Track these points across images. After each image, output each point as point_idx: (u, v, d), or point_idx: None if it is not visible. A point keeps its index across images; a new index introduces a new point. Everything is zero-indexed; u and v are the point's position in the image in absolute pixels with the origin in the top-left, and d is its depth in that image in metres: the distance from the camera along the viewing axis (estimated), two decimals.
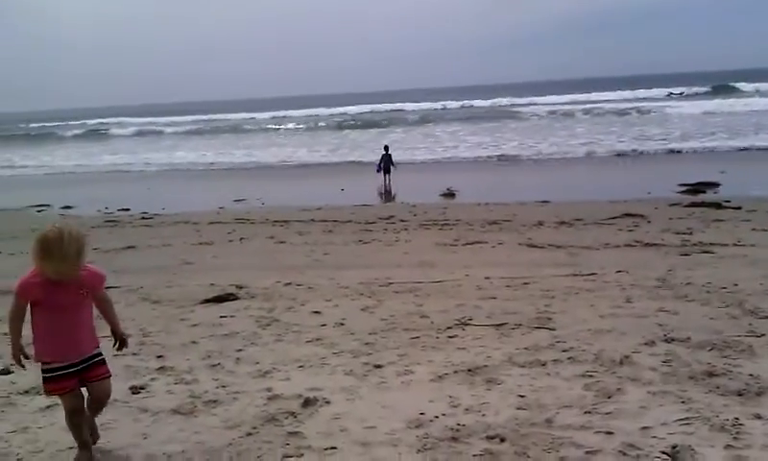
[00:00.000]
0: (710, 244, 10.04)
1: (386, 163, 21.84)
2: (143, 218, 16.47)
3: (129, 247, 12.16)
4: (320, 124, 56.96)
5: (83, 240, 3.76)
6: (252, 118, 70.51)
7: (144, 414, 4.53)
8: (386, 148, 22.32)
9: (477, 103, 70.36)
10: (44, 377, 3.82)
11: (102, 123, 75.71)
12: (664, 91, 70.75)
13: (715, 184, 17.40)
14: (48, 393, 3.91)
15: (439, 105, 68.99)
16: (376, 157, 23.35)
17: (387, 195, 20.27)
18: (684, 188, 17.06)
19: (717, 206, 14.01)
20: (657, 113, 44.65)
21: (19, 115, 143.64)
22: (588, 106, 53.02)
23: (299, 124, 58.35)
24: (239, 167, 30.78)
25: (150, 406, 4.64)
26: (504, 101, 69.65)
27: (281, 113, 74.84)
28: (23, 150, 46.81)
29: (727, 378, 4.64)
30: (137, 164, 33.85)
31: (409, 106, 69.98)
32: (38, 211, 18.96)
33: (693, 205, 14.33)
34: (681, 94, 68.42)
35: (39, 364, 3.81)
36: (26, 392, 4.96)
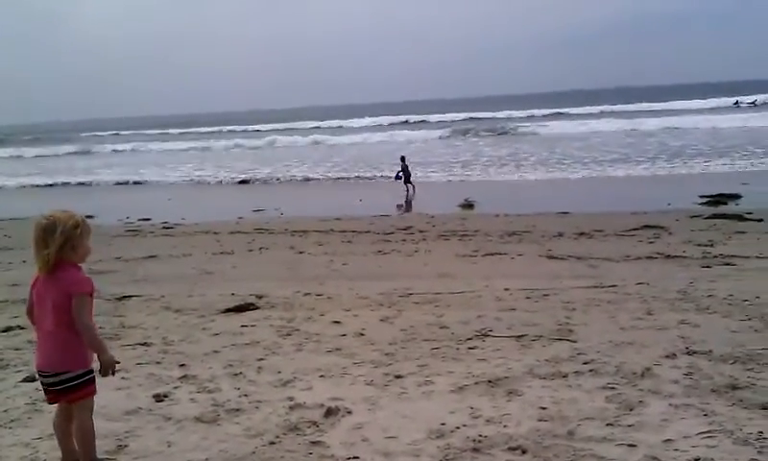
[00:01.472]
0: (732, 256, 9.97)
1: (405, 174, 22.34)
2: (164, 228, 16.61)
3: (150, 256, 12.27)
4: (443, 133, 50.45)
5: (68, 232, 3.63)
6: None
7: (167, 422, 4.57)
8: (402, 159, 22.85)
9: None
10: (88, 380, 3.75)
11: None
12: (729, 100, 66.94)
13: (737, 196, 17.25)
14: (88, 395, 3.78)
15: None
16: None
17: (408, 205, 20.42)
18: (705, 200, 16.93)
19: (739, 217, 13.88)
20: None
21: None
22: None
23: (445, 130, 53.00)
24: None
25: (173, 414, 4.69)
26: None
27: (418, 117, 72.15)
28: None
29: (750, 392, 4.61)
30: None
31: (517, 113, 68.02)
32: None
33: (714, 216, 14.21)
34: (753, 103, 63.33)
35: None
36: None
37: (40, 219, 3.66)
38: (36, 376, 3.72)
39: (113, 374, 3.81)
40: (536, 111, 69.58)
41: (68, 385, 3.67)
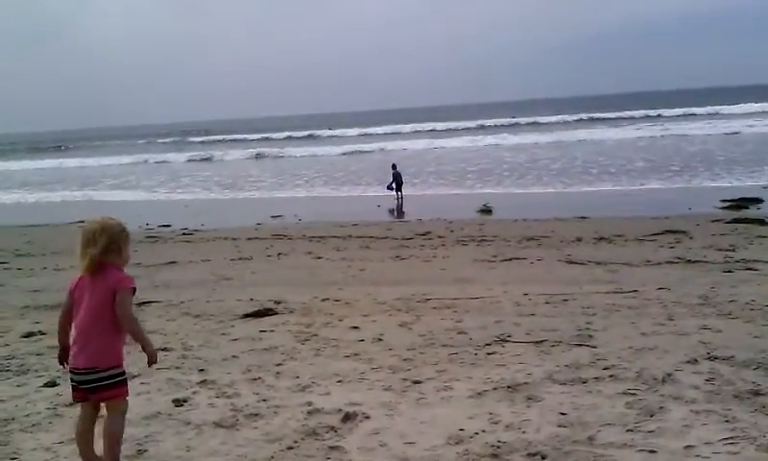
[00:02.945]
0: (754, 261, 9.86)
1: (397, 181, 22.92)
2: (183, 234, 16.74)
3: (170, 262, 12.35)
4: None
5: (115, 236, 3.85)
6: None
7: (187, 427, 4.59)
8: (394, 166, 23.58)
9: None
10: (121, 380, 3.83)
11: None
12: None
13: (758, 200, 17.08)
14: (120, 396, 3.84)
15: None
16: None
17: (399, 211, 20.62)
18: (727, 204, 16.77)
19: (761, 222, 13.75)
20: None
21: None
22: None
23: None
24: None
25: (192, 419, 4.71)
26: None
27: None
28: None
29: None
30: None
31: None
32: (80, 227, 19.34)
33: (736, 221, 14.08)
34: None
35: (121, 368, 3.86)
36: (71, 404, 5.06)
37: (88, 222, 3.91)
38: (70, 375, 3.81)
39: (156, 361, 3.96)
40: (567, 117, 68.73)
41: (101, 384, 3.75)
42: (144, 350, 3.88)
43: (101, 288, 3.75)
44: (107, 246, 3.79)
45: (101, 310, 3.74)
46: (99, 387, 3.76)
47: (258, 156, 49.77)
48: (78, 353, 3.76)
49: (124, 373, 3.85)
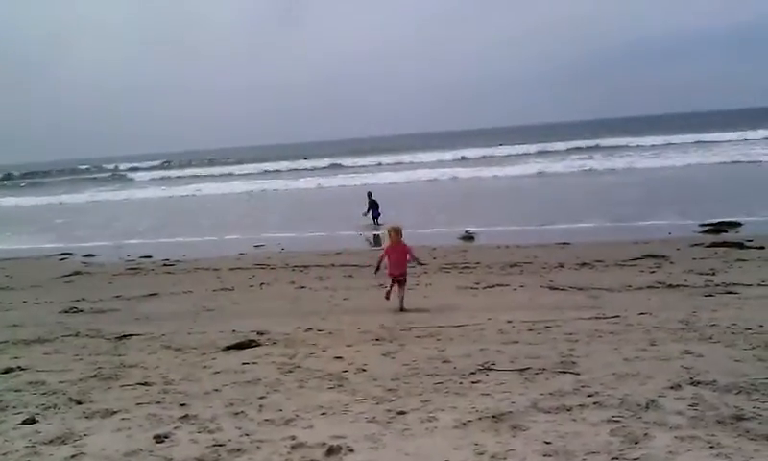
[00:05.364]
0: (734, 284, 9.96)
1: (374, 209, 23.36)
2: (165, 265, 16.61)
3: (151, 294, 12.25)
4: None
5: (400, 230, 10.12)
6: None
7: None
8: (369, 195, 24.05)
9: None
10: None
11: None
12: None
13: (737, 224, 17.26)
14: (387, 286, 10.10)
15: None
16: None
17: (375, 239, 20.55)
18: (706, 228, 16.94)
19: (740, 245, 13.90)
20: None
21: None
22: None
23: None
24: None
25: (174, 456, 4.62)
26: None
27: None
28: None
29: (756, 422, 4.56)
30: None
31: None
32: (61, 260, 19.19)
33: (715, 244, 14.23)
34: None
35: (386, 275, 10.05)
36: (51, 442, 4.96)
37: (394, 225, 10.38)
38: (390, 278, 10.04)
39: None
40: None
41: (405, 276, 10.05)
42: (418, 263, 10.44)
43: (402, 248, 10.08)
44: (401, 233, 10.17)
45: (404, 255, 10.08)
46: (404, 281, 10.18)
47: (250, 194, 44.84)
48: (397, 270, 10.11)
49: None
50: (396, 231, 10.05)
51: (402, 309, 9.65)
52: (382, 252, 10.26)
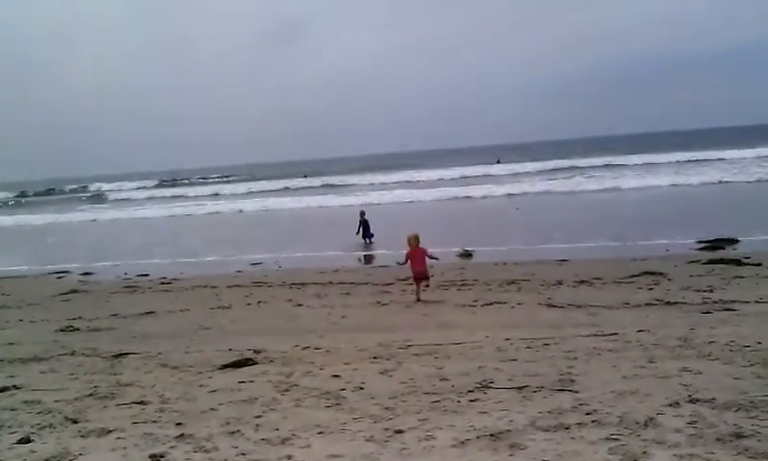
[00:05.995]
0: (732, 301, 9.95)
1: (365, 228, 23.06)
2: (162, 283, 16.57)
3: (148, 313, 12.21)
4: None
5: (418, 237, 12.54)
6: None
7: None
8: (362, 214, 23.67)
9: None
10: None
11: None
12: None
13: (734, 240, 17.27)
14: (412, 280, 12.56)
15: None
16: None
17: (368, 258, 20.46)
18: (703, 245, 16.94)
19: (737, 262, 13.88)
20: None
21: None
22: None
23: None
24: None
25: None
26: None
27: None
28: None
29: (755, 440, 4.54)
30: None
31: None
32: (58, 278, 19.15)
33: (712, 261, 14.21)
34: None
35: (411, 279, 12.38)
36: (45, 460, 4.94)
37: (413, 233, 12.68)
38: (412, 278, 12.44)
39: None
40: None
41: (426, 275, 12.39)
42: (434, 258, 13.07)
43: (421, 251, 12.51)
44: (419, 239, 12.61)
45: (424, 257, 12.49)
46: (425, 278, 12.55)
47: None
48: (419, 268, 12.46)
49: None
50: (415, 238, 12.44)
51: (419, 300, 11.99)
52: (404, 255, 12.60)
